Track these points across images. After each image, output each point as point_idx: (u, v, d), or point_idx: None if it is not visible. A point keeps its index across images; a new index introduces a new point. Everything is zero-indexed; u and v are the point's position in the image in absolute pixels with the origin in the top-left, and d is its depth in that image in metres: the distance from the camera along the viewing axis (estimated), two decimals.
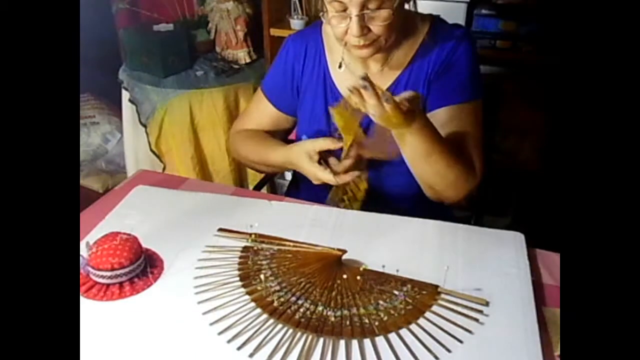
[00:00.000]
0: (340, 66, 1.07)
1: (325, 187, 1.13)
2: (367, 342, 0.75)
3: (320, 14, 0.97)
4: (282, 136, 1.24)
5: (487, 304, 0.81)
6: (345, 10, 0.92)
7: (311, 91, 1.13)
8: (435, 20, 1.07)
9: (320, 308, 0.80)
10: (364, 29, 0.93)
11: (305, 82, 1.14)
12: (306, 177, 1.12)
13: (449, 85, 1.02)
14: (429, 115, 1.01)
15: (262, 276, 0.86)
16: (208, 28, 2.14)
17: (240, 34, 2.09)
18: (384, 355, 0.73)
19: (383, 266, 0.87)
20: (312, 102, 1.14)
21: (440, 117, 1.01)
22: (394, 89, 1.06)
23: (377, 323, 0.78)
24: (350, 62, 1.08)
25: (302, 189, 1.24)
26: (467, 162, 0.99)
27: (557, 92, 1.78)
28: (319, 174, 1.03)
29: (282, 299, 0.82)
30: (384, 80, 1.06)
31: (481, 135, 1.03)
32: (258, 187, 1.42)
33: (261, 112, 1.21)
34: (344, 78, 1.09)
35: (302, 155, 1.05)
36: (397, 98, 0.83)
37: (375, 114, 0.83)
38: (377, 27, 0.94)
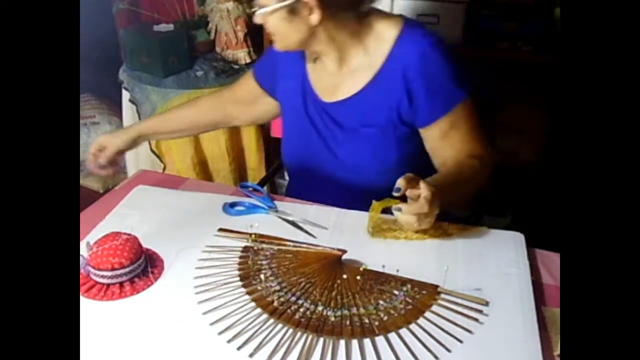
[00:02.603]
0: (315, 60, 1.12)
1: (325, 187, 1.13)
2: (367, 342, 0.75)
3: None
4: (256, 116, 1.32)
5: (487, 304, 0.81)
6: None
7: (286, 87, 1.17)
8: (405, 25, 1.05)
9: (320, 308, 0.80)
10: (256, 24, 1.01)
11: (282, 77, 1.17)
12: (307, 177, 1.14)
13: (438, 97, 1.03)
14: (427, 128, 1.05)
15: (262, 276, 0.86)
16: (208, 28, 2.14)
17: (240, 34, 2.08)
18: (384, 355, 0.73)
19: (383, 266, 0.87)
20: (292, 96, 1.16)
21: (440, 128, 1.05)
22: (369, 88, 1.06)
23: (377, 323, 0.78)
24: (324, 61, 1.10)
25: (303, 189, 1.24)
26: (475, 167, 1.04)
27: (557, 92, 1.78)
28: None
29: (282, 299, 0.82)
30: (359, 81, 1.07)
31: (478, 124, 1.08)
32: None
33: (242, 83, 1.28)
34: (317, 75, 1.12)
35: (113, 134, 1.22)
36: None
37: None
38: (266, 27, 1.01)
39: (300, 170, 1.20)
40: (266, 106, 1.26)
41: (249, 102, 1.27)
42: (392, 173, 1.07)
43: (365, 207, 1.01)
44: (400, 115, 1.05)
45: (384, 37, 1.04)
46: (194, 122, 1.29)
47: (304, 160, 1.18)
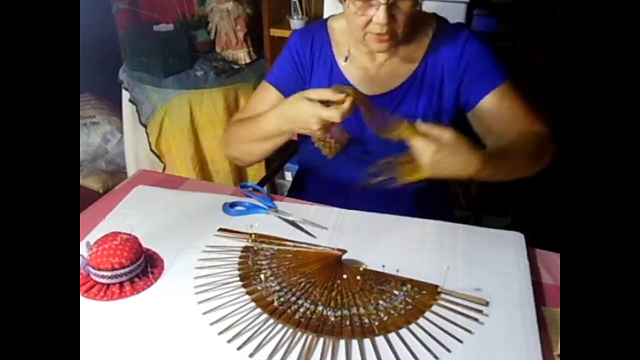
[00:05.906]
0: (345, 59, 1.10)
1: (324, 187, 1.14)
2: (367, 342, 0.75)
3: (342, 3, 1.00)
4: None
5: (487, 304, 0.81)
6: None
7: (317, 84, 1.13)
8: (439, 19, 1.10)
9: (320, 308, 0.80)
10: (390, 18, 0.95)
11: (312, 75, 1.15)
12: (308, 176, 1.12)
13: (481, 75, 1.05)
14: (476, 109, 1.05)
15: (262, 276, 0.86)
16: (208, 28, 2.14)
17: (240, 34, 2.09)
18: (384, 355, 0.73)
19: (383, 266, 0.87)
20: None
21: (490, 103, 1.05)
22: (411, 82, 1.07)
23: (377, 323, 0.78)
24: (357, 55, 1.10)
25: (303, 189, 1.24)
26: (530, 139, 0.99)
27: (557, 92, 1.78)
28: (323, 113, 0.90)
29: (282, 299, 0.82)
30: (399, 75, 1.08)
31: (528, 104, 1.06)
32: None
33: (264, 100, 1.16)
34: (351, 70, 1.11)
35: (301, 99, 0.94)
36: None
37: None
38: (401, 16, 0.97)
39: (319, 173, 1.18)
40: None
41: None
42: None
43: (381, 210, 1.02)
44: (440, 106, 1.07)
45: (422, 30, 1.07)
46: None
47: (324, 162, 1.13)
